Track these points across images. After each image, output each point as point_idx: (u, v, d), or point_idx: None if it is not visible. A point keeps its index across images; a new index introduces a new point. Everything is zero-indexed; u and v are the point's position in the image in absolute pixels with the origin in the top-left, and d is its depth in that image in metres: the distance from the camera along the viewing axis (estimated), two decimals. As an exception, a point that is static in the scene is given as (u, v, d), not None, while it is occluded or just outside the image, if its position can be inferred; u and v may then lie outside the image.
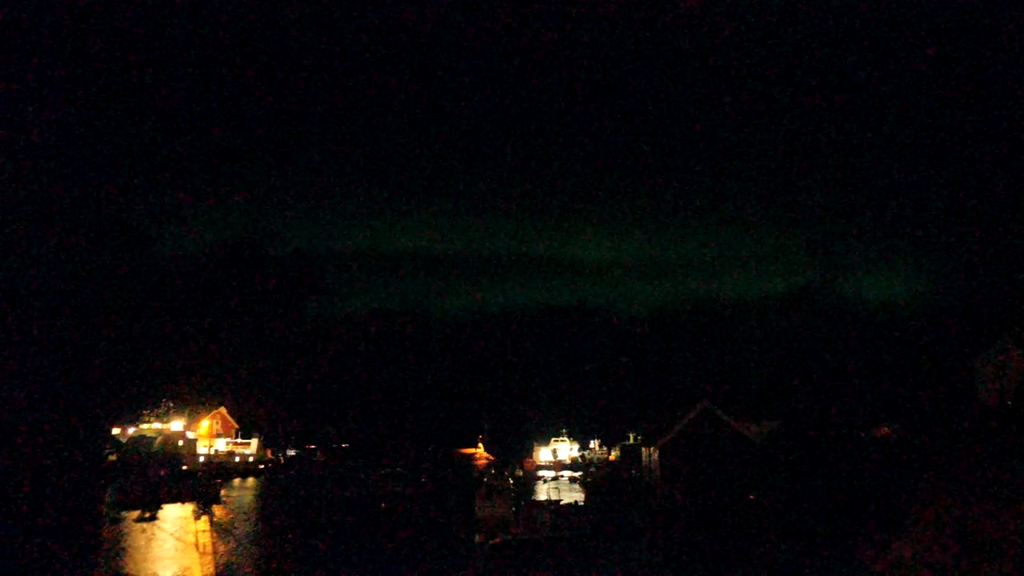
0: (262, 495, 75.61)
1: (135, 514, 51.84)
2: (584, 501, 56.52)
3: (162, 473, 68.80)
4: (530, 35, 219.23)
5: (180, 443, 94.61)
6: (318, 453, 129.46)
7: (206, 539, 41.70)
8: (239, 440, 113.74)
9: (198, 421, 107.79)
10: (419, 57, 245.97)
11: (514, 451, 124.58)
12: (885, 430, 65.80)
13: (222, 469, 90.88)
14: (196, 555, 36.83)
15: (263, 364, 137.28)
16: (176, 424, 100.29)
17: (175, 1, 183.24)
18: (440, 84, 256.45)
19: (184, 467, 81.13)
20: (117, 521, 49.28)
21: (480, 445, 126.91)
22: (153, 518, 50.33)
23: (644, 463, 69.96)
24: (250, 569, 34.54)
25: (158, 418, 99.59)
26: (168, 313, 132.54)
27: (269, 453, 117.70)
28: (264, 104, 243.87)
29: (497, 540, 38.75)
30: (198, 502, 59.50)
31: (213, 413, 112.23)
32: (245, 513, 57.96)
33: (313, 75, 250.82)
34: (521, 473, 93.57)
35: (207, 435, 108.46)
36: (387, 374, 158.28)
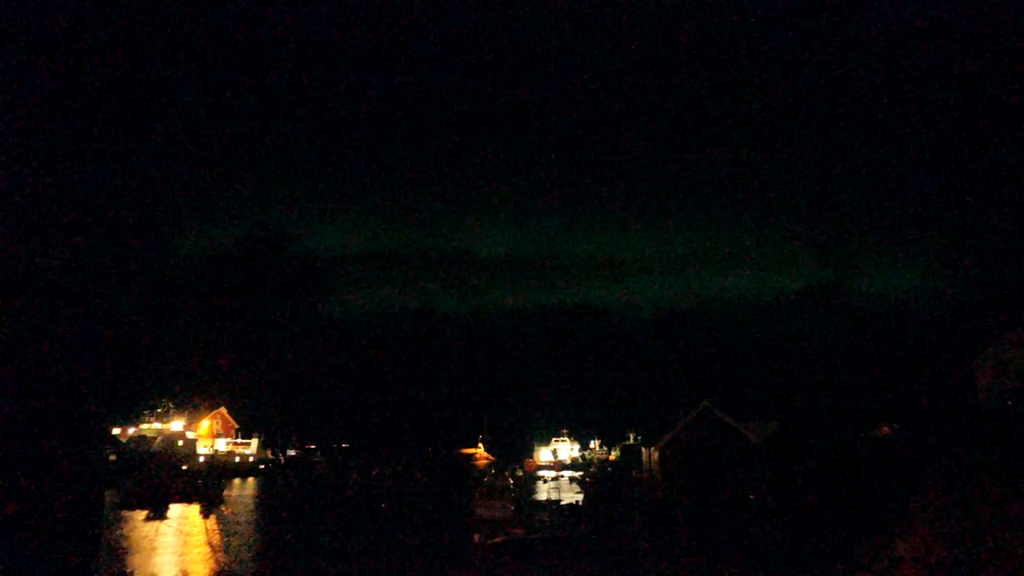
0: (264, 495, 75.69)
1: (143, 514, 51.92)
2: (584, 501, 56.52)
3: (166, 473, 68.85)
4: (534, 36, 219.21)
5: (180, 443, 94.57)
6: (318, 453, 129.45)
7: (217, 538, 42.02)
8: (239, 440, 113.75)
9: (198, 421, 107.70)
10: (425, 59, 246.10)
11: (514, 451, 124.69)
12: (885, 430, 65.75)
13: (222, 469, 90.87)
14: (212, 552, 37.31)
15: (264, 364, 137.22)
16: (176, 424, 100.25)
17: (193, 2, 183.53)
18: (446, 86, 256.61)
19: (184, 467, 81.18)
20: (125, 521, 49.27)
21: (480, 445, 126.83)
22: (163, 518, 50.48)
23: (644, 463, 69.94)
24: (264, 564, 35.32)
25: (158, 418, 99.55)
26: (170, 313, 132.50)
27: (269, 453, 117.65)
28: (274, 104, 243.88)
29: (497, 540, 38.75)
30: (203, 502, 59.64)
31: (213, 413, 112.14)
32: (250, 512, 58.13)
33: (324, 77, 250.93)
34: (521, 473, 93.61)
35: (207, 435, 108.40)
36: (388, 374, 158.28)
